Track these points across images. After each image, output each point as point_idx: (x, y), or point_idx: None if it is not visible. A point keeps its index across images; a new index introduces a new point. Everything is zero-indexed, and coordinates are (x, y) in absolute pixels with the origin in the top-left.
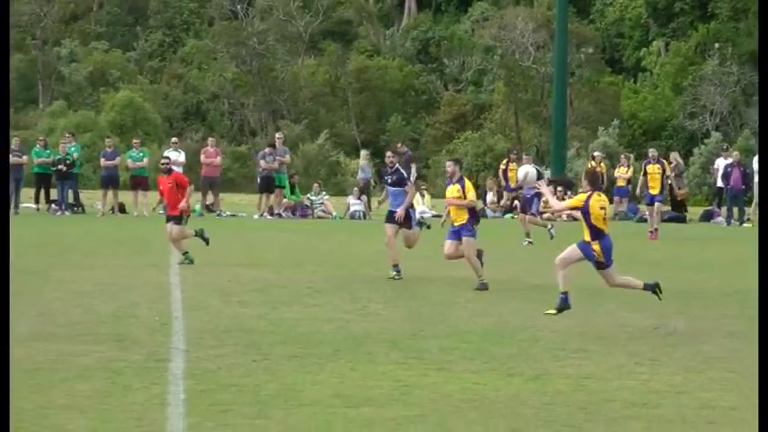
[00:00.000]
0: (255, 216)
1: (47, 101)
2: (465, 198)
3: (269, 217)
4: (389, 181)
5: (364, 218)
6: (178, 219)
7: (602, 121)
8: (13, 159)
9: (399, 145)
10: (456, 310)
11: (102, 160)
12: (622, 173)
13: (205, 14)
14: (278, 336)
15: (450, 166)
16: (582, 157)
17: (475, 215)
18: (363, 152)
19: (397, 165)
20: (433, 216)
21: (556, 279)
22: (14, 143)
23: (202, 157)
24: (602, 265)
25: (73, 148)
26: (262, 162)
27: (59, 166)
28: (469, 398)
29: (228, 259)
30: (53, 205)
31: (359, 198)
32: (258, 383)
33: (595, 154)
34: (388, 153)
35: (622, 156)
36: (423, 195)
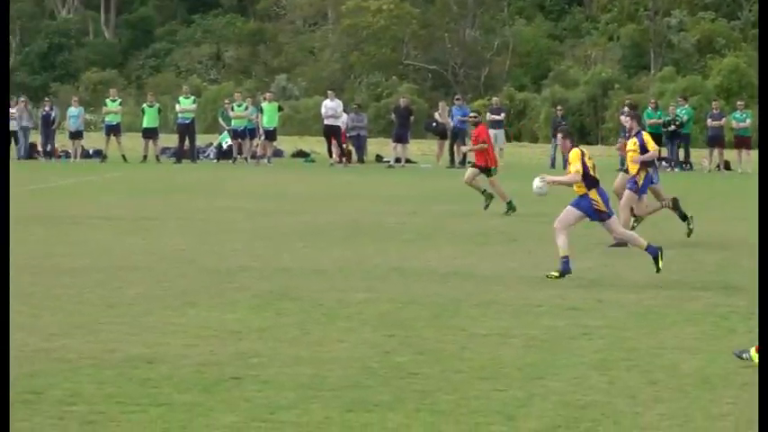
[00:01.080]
0: None
1: (657, 66)
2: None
3: None
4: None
5: None
6: (485, 170)
7: None
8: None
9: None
10: None
11: (709, 121)
12: None
13: None
14: None
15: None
16: None
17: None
18: None
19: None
20: None
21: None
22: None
23: None
24: (605, 215)
25: (684, 111)
26: None
27: (669, 127)
28: None
29: None
30: (663, 162)
31: None
32: None
33: None
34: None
35: None
36: None
